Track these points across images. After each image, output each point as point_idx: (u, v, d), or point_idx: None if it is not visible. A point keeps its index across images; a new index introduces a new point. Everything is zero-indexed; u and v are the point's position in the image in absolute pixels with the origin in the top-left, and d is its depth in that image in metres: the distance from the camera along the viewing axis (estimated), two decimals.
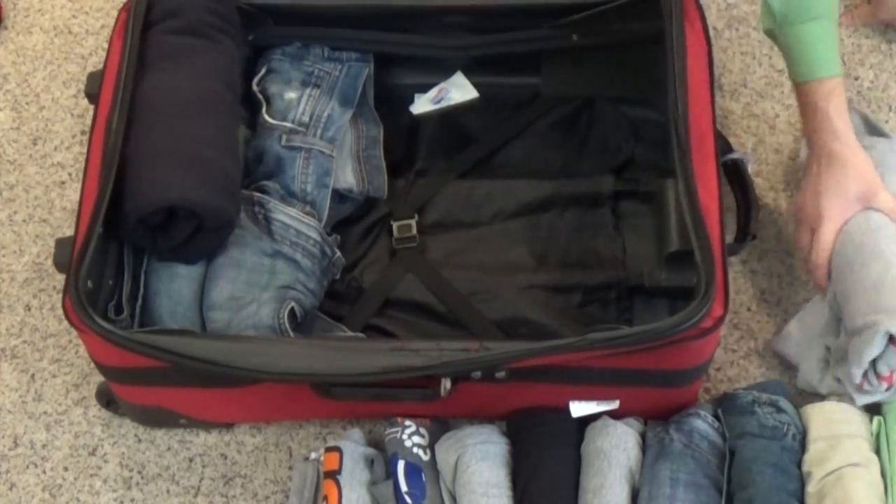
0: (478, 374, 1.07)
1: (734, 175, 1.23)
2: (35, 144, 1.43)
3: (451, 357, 1.04)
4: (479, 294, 1.23)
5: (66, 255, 1.07)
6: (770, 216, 1.32)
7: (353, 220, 1.30)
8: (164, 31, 1.19)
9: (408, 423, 1.14)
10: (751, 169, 1.22)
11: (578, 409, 1.12)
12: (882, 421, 1.11)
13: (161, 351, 1.03)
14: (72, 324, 1.05)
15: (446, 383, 1.07)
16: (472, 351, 1.04)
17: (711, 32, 1.44)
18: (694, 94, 1.13)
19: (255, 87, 1.29)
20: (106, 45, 1.22)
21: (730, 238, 1.22)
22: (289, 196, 1.23)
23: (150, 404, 1.18)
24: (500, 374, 1.07)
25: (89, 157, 1.14)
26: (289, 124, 1.27)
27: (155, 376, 1.10)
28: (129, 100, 1.14)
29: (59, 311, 1.22)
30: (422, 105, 1.37)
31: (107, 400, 1.22)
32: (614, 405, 1.12)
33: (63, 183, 1.40)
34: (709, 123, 1.13)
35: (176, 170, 1.12)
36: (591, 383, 1.10)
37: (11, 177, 1.41)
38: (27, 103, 1.47)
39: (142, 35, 1.18)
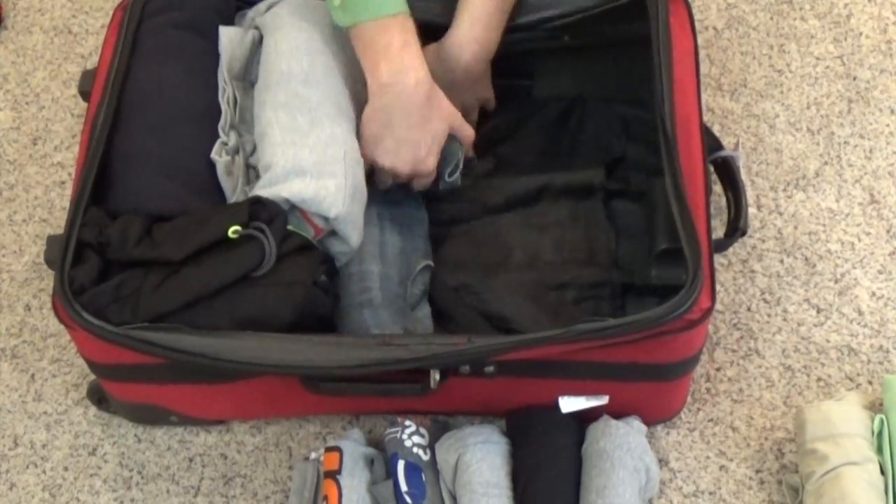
0: (466, 368, 1.07)
1: (724, 172, 1.24)
2: (35, 144, 1.44)
3: (438, 350, 1.04)
4: (470, 289, 1.23)
5: (55, 253, 1.07)
6: (770, 216, 1.32)
7: None
8: (165, 22, 1.18)
9: (408, 422, 1.14)
10: (742, 166, 1.22)
11: (568, 404, 1.12)
12: (884, 419, 1.11)
13: (150, 345, 1.03)
14: (61, 321, 1.05)
15: (435, 375, 1.07)
16: (460, 345, 1.04)
17: (711, 32, 1.46)
18: (680, 92, 1.13)
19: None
20: None
21: (720, 235, 1.23)
22: None
23: (140, 401, 1.18)
24: (489, 369, 1.07)
25: (78, 154, 1.14)
26: None
27: (145, 373, 1.10)
28: (121, 96, 1.14)
29: None
30: None
31: (98, 397, 1.22)
32: (604, 400, 1.12)
33: (63, 183, 1.40)
34: (696, 120, 1.14)
35: (161, 178, 1.11)
36: (580, 378, 1.10)
37: (11, 177, 1.41)
38: (27, 103, 1.47)
39: (141, 25, 1.18)
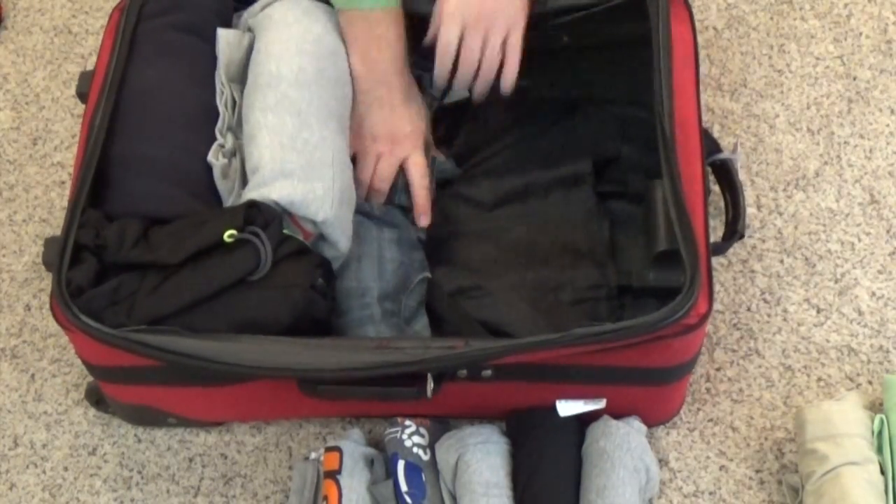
0: (464, 372, 1.07)
1: (723, 175, 1.24)
2: (35, 144, 1.44)
3: (435, 353, 1.04)
4: (467, 294, 1.22)
5: (53, 255, 1.07)
6: (770, 216, 1.32)
7: None
8: (165, 24, 1.18)
9: (408, 423, 1.14)
10: (741, 167, 1.22)
11: (565, 408, 1.12)
12: (884, 419, 1.11)
13: (147, 348, 1.03)
14: (59, 322, 1.05)
15: (430, 381, 1.07)
16: (457, 348, 1.04)
17: (711, 32, 1.46)
18: (680, 93, 1.13)
19: None
20: None
21: (718, 238, 1.23)
22: None
23: (138, 403, 1.18)
24: (487, 373, 1.07)
25: (76, 156, 1.14)
26: None
27: (142, 375, 1.10)
28: (118, 99, 1.14)
29: None
30: None
31: (96, 398, 1.22)
32: (601, 404, 1.12)
33: (63, 183, 1.40)
34: (695, 121, 1.14)
35: (158, 181, 1.11)
36: (577, 382, 1.10)
37: (11, 177, 1.41)
38: (27, 103, 1.47)
39: (139, 27, 1.18)
